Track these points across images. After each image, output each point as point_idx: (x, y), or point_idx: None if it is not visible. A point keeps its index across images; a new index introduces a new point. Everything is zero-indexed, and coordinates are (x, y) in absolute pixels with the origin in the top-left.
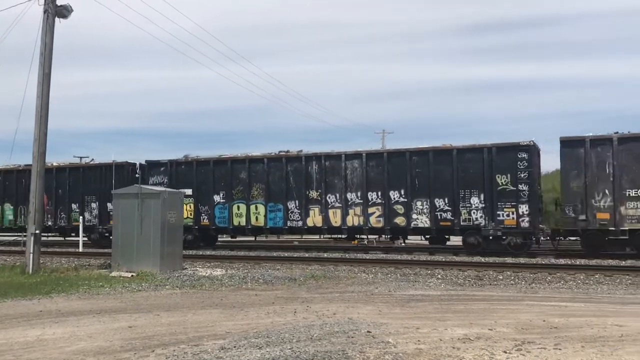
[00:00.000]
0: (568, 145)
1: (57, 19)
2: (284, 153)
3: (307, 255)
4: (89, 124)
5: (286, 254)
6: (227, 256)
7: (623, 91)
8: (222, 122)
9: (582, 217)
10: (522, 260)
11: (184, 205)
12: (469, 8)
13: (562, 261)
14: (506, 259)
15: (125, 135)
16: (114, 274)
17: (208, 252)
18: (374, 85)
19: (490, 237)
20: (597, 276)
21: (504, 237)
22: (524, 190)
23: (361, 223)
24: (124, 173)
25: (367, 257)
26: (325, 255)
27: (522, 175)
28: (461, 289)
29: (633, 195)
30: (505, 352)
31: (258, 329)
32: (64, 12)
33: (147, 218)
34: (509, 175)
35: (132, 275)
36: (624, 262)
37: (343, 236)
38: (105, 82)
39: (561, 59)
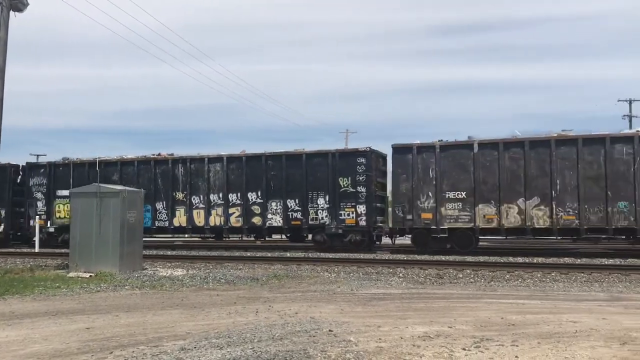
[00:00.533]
0: (398, 151)
1: (12, 13)
2: (153, 156)
3: (269, 255)
4: (45, 121)
5: (248, 254)
6: (188, 256)
7: (578, 93)
8: (185, 120)
9: (409, 216)
10: (481, 259)
11: (63, 206)
12: (437, 12)
13: (520, 259)
14: (466, 257)
15: (84, 133)
16: (71, 274)
17: (169, 252)
18: (338, 85)
19: (334, 235)
20: (553, 274)
21: (346, 235)
22: (362, 192)
23: (222, 223)
24: (6, 175)
25: (331, 257)
26: (288, 254)
27: (360, 178)
28: (422, 287)
29: (452, 197)
30: (464, 349)
31: (219, 329)
32: (19, 5)
33: (106, 217)
34: (349, 178)
35: (90, 276)
36: (579, 261)
37: (212, 236)
38: (63, 79)
39: (523, 62)
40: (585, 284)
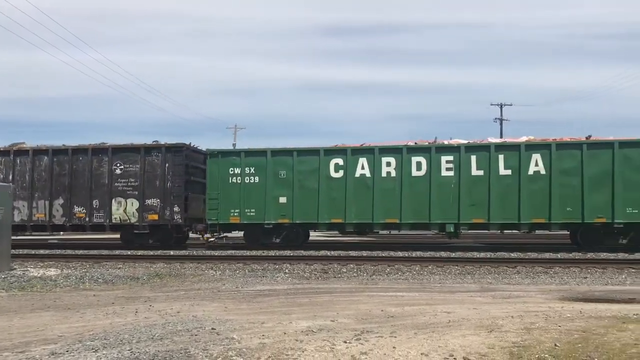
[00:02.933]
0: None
1: None
2: None
3: (151, 253)
4: None
5: (129, 252)
6: (63, 255)
7: (456, 97)
8: (62, 111)
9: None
10: (364, 253)
11: None
12: (325, 12)
13: (400, 254)
14: (350, 252)
15: None
16: None
17: (42, 251)
18: (227, 80)
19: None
20: (430, 267)
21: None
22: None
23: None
24: None
25: (216, 254)
26: (172, 253)
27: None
28: (307, 283)
29: None
30: (345, 342)
31: (95, 331)
32: None
33: None
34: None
35: None
36: (453, 254)
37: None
38: None
39: (402, 65)
40: (459, 276)
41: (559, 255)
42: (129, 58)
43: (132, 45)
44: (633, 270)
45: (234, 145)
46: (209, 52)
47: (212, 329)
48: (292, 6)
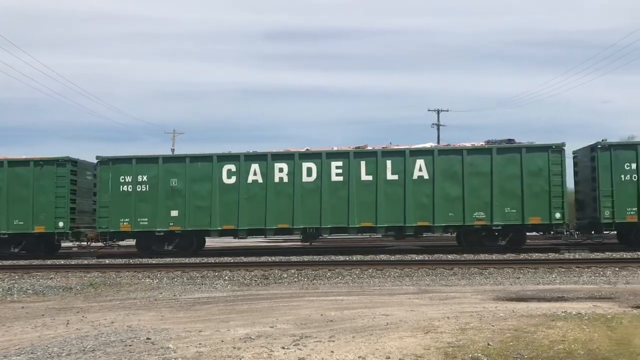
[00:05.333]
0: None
1: None
2: None
3: (86, 262)
4: None
5: (62, 262)
6: None
7: (399, 102)
8: None
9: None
10: (306, 258)
11: None
12: (268, 15)
13: (341, 257)
14: (291, 257)
15: None
16: None
17: None
18: (165, 84)
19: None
20: (370, 270)
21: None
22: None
23: None
24: None
25: (153, 262)
26: (107, 261)
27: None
28: (247, 289)
29: None
30: (283, 348)
31: (22, 344)
32: None
33: None
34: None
35: None
36: (393, 257)
37: None
38: None
39: (346, 70)
40: (398, 278)
41: (493, 257)
42: (60, 61)
43: (64, 47)
44: (563, 270)
45: (172, 150)
46: (146, 55)
47: (147, 338)
48: (234, 8)
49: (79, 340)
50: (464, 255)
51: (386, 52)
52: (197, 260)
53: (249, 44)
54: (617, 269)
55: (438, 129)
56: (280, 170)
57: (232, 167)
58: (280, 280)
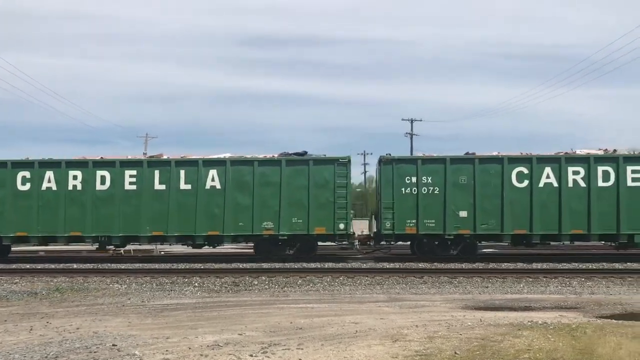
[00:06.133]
0: None
1: None
2: None
3: (53, 266)
4: None
5: (28, 266)
6: None
7: (370, 110)
8: None
9: None
10: (277, 265)
11: None
12: (250, 21)
13: (312, 265)
14: (262, 264)
15: None
16: None
17: None
18: (139, 87)
19: None
20: (341, 278)
21: None
22: None
23: None
24: None
25: (122, 267)
26: (75, 266)
27: None
28: (217, 296)
29: None
30: (251, 355)
31: None
32: None
33: None
34: None
35: None
36: (364, 265)
37: None
38: None
39: (321, 78)
40: (368, 286)
41: (463, 266)
42: (29, 60)
43: (34, 46)
44: (530, 280)
45: (144, 154)
46: (120, 56)
47: (113, 345)
48: (211, 13)
49: (42, 347)
50: (435, 264)
51: (363, 60)
52: (167, 266)
53: (225, 48)
54: (582, 279)
55: (411, 138)
56: (75, 177)
57: (27, 174)
58: (250, 288)
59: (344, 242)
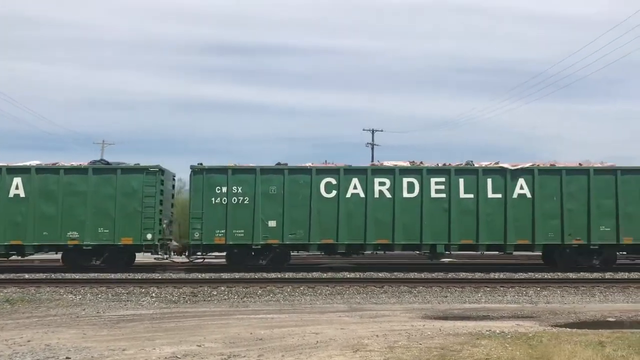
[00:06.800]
0: None
1: None
2: None
3: (3, 276)
4: None
5: None
6: None
7: (334, 121)
8: None
9: None
10: (237, 275)
11: None
12: (209, 28)
13: (273, 275)
14: (222, 274)
15: None
16: None
17: None
18: (95, 93)
19: None
20: (302, 288)
21: None
22: None
23: None
24: None
25: (77, 277)
26: (27, 276)
27: None
28: (175, 307)
29: None
30: None
31: None
32: None
33: None
34: None
35: None
36: (325, 275)
37: None
38: None
39: (280, 87)
40: (329, 296)
41: (422, 275)
42: None
43: None
44: (488, 289)
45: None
46: (77, 62)
47: (67, 358)
48: (169, 19)
49: None
50: (395, 273)
51: (326, 71)
52: (124, 276)
53: (183, 55)
54: (538, 288)
55: (372, 149)
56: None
57: None
58: (209, 298)
59: (159, 253)
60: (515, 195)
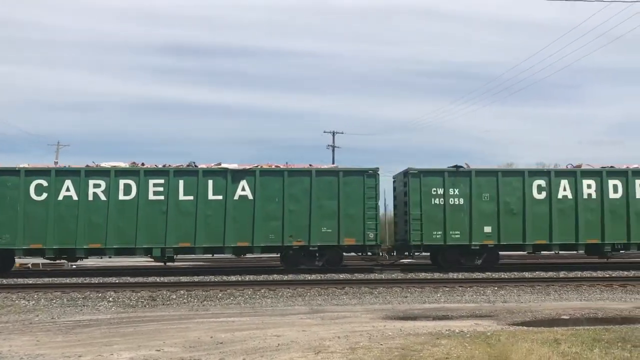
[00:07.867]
0: None
1: None
2: None
3: None
4: None
5: None
6: None
7: (301, 124)
8: None
9: None
10: (196, 278)
11: None
12: (167, 29)
13: (233, 278)
14: (181, 278)
15: None
16: None
17: None
18: (50, 93)
19: None
20: (263, 291)
21: None
22: None
23: None
24: None
25: (30, 282)
26: None
27: None
28: (133, 311)
29: None
30: None
31: None
32: None
33: None
34: None
35: None
36: (285, 277)
37: None
38: None
39: (240, 88)
40: (290, 299)
41: (383, 276)
42: None
43: None
44: (447, 289)
45: (55, 163)
46: (30, 62)
47: None
48: (128, 21)
49: None
50: (355, 274)
51: (287, 73)
52: (79, 280)
53: (141, 56)
54: (495, 288)
55: (333, 151)
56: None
57: None
58: (168, 302)
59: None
60: (236, 197)
